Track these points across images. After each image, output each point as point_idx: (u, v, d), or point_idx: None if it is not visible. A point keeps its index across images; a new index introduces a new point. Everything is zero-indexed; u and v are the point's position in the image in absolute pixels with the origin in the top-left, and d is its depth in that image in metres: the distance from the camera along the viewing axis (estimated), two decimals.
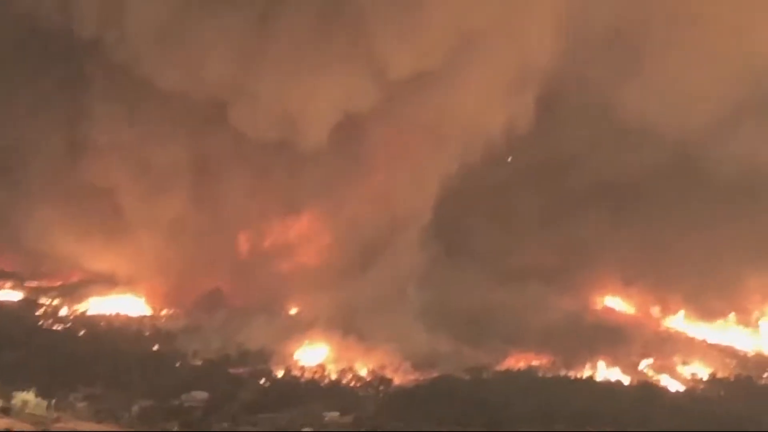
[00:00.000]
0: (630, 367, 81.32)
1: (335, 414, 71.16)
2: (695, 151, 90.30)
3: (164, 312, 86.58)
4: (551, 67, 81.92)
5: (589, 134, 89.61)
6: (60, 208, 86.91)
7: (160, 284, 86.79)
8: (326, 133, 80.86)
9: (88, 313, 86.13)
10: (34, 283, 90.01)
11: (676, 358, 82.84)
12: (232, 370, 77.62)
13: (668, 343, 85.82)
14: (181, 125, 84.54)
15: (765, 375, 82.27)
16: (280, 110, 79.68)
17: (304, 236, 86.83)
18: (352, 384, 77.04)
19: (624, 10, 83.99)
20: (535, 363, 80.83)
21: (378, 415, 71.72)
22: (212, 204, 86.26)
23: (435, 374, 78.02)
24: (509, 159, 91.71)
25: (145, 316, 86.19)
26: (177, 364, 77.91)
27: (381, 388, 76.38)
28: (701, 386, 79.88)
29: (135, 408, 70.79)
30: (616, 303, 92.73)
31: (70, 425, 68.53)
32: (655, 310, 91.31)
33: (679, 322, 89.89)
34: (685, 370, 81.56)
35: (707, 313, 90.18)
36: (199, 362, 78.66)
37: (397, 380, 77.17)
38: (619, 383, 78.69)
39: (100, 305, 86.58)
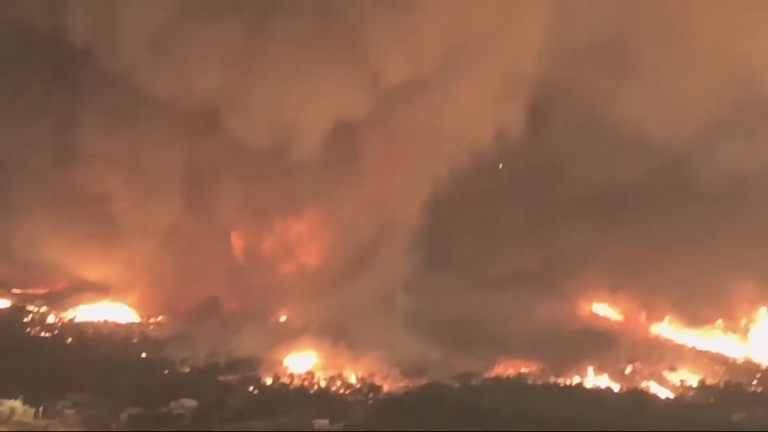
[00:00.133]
0: (619, 374, 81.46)
1: (324, 421, 70.98)
2: (683, 158, 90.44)
3: (152, 319, 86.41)
4: (541, 75, 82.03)
5: (577, 142, 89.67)
6: (50, 216, 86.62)
7: (150, 292, 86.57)
8: (319, 141, 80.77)
9: (76, 320, 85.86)
10: (21, 291, 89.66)
11: (666, 365, 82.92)
12: (221, 378, 77.37)
13: (657, 350, 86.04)
14: (174, 132, 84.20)
15: (754, 382, 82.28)
16: (274, 118, 79.46)
17: (296, 242, 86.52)
18: (341, 391, 76.88)
19: (614, 19, 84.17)
20: (524, 370, 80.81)
21: (367, 422, 71.50)
22: (204, 211, 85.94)
23: (424, 381, 77.81)
24: (500, 166, 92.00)
25: (133, 324, 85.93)
26: (165, 372, 77.69)
27: (370, 395, 76.29)
28: (691, 393, 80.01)
29: (123, 415, 70.47)
30: (605, 310, 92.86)
31: None
32: (644, 317, 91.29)
33: (668, 328, 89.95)
34: (675, 377, 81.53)
35: (695, 319, 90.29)
36: (187, 369, 78.42)
37: (387, 387, 77.09)
38: (609, 390, 78.79)
39: (87, 312, 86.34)
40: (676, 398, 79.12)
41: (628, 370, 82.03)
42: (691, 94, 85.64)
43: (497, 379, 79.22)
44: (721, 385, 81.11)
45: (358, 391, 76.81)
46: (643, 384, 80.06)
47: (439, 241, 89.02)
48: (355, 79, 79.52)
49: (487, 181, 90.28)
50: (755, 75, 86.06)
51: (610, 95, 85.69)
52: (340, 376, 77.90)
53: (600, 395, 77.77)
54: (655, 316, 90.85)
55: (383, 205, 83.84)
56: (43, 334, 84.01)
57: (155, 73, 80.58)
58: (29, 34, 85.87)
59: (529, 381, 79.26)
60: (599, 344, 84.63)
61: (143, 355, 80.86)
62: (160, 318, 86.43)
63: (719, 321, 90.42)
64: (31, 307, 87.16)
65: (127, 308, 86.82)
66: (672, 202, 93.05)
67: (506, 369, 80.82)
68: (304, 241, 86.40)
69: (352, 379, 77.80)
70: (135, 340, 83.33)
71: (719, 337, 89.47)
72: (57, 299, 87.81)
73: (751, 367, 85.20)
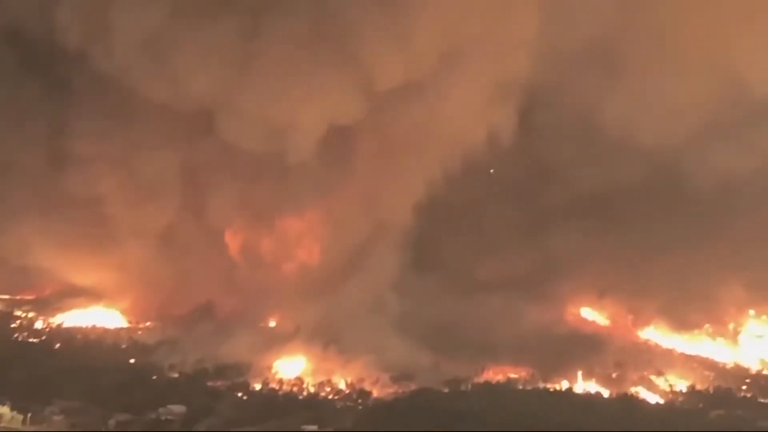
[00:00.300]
0: (608, 379, 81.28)
1: (313, 427, 70.78)
2: (672, 162, 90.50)
3: (141, 324, 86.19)
4: (532, 80, 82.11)
5: (566, 146, 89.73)
6: (41, 220, 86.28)
7: (143, 296, 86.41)
8: (313, 145, 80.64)
9: (65, 325, 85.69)
10: (9, 296, 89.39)
11: (655, 370, 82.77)
12: (209, 383, 77.11)
13: (646, 355, 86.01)
14: (167, 134, 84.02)
15: (744, 387, 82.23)
16: (268, 122, 79.29)
17: (289, 244, 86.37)
18: (330, 397, 76.71)
19: (605, 23, 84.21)
20: (513, 375, 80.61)
21: (356, 428, 71.49)
22: (197, 214, 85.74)
23: (413, 387, 77.55)
24: (491, 171, 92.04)
25: (121, 329, 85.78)
26: (154, 377, 77.50)
27: (359, 401, 76.07)
28: (680, 398, 79.86)
29: (111, 421, 70.40)
30: (593, 314, 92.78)
31: None
32: (632, 322, 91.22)
33: (657, 334, 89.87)
34: (664, 382, 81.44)
35: (684, 324, 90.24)
36: (176, 375, 78.19)
37: (376, 393, 76.88)
38: (598, 395, 78.74)
39: (76, 318, 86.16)
40: (665, 403, 78.94)
41: (617, 375, 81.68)
42: (679, 98, 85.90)
43: (487, 385, 78.92)
44: (711, 390, 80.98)
45: (347, 397, 76.52)
46: (633, 389, 79.86)
47: (428, 244, 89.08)
48: (349, 82, 79.46)
49: (476, 184, 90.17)
50: (744, 78, 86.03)
51: (599, 98, 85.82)
52: (329, 382, 77.67)
53: (590, 400, 77.67)
54: (643, 321, 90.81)
55: (375, 207, 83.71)
56: (31, 339, 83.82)
57: (149, 76, 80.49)
58: (21, 37, 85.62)
59: (519, 386, 79.12)
60: (588, 349, 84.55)
61: (132, 360, 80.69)
62: (148, 323, 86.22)
63: (708, 326, 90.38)
64: (18, 313, 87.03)
65: (116, 313, 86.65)
66: (661, 206, 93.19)
67: (496, 374, 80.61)
68: (297, 243, 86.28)
69: (342, 385, 77.55)
70: (123, 346, 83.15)
71: (708, 341, 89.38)
72: (45, 305, 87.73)
73: (740, 372, 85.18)
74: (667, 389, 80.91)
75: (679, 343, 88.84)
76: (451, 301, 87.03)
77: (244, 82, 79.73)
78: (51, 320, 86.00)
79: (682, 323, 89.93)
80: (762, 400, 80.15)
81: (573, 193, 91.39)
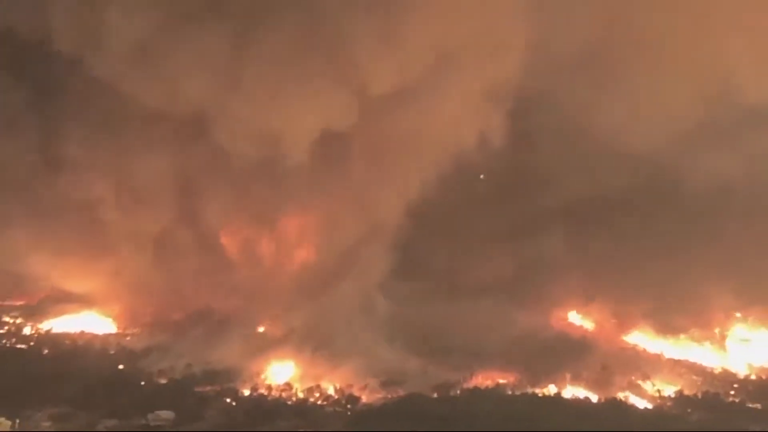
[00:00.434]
0: (597, 384, 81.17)
1: None
2: (660, 168, 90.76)
3: (129, 330, 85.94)
4: (522, 84, 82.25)
5: (554, 151, 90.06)
6: (31, 226, 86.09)
7: (131, 303, 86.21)
8: (307, 151, 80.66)
9: (53, 331, 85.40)
10: None
11: (643, 375, 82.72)
12: (197, 389, 76.92)
13: (634, 360, 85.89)
14: (161, 140, 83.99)
15: (732, 392, 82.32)
16: (261, 128, 79.26)
17: (281, 247, 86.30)
18: (319, 402, 76.53)
19: (595, 29, 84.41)
20: (502, 381, 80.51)
21: None
22: (191, 220, 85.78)
23: (402, 392, 77.63)
24: (482, 176, 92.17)
25: (110, 335, 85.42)
26: (142, 383, 77.31)
27: (348, 406, 76.00)
28: (669, 403, 79.86)
29: (100, 427, 70.40)
30: (580, 319, 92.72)
31: None
32: (620, 327, 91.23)
33: (644, 338, 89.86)
34: (653, 388, 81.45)
35: (672, 329, 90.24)
36: (164, 381, 78.01)
37: (365, 398, 76.83)
38: (587, 400, 78.67)
39: (64, 324, 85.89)
40: (654, 408, 78.94)
41: (605, 380, 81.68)
42: (668, 102, 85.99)
43: (476, 390, 78.85)
44: (699, 395, 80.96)
45: (336, 402, 76.40)
46: (622, 394, 79.85)
47: (416, 248, 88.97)
48: (342, 87, 79.49)
49: (465, 188, 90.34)
50: (734, 83, 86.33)
51: (589, 103, 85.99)
52: (318, 387, 77.51)
53: (579, 405, 77.71)
54: (631, 326, 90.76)
55: (367, 210, 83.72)
56: (19, 345, 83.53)
57: (142, 82, 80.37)
58: (13, 40, 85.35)
59: (508, 391, 79.00)
60: (576, 354, 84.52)
61: (120, 366, 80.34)
62: (137, 329, 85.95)
63: (694, 330, 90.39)
64: (7, 319, 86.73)
65: (104, 319, 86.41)
66: (649, 210, 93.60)
67: (484, 379, 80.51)
68: (290, 246, 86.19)
69: (331, 390, 77.39)
70: (112, 352, 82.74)
71: (695, 346, 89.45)
72: (34, 311, 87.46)
73: (728, 377, 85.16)
74: (656, 394, 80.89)
75: (666, 348, 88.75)
76: (438, 306, 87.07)
77: (238, 88, 79.68)
78: (39, 326, 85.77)
79: (668, 327, 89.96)
80: (750, 405, 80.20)
81: (561, 198, 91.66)
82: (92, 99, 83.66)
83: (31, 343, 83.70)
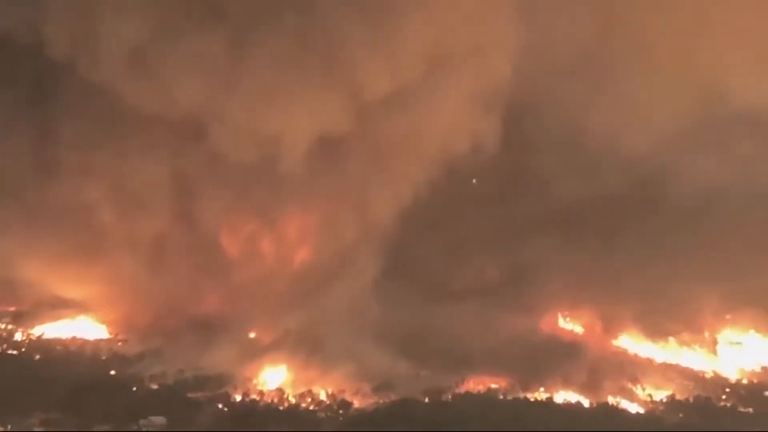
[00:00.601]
0: (588, 389, 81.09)
1: None
2: (650, 173, 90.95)
3: (121, 336, 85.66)
4: (514, 89, 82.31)
5: (547, 156, 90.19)
6: (24, 232, 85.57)
7: (126, 309, 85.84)
8: (303, 154, 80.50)
9: (44, 337, 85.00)
10: None
11: (635, 380, 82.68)
12: (189, 395, 76.76)
13: (626, 365, 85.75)
14: (157, 143, 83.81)
15: (723, 396, 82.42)
16: (256, 133, 79.15)
17: (277, 249, 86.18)
18: (311, 408, 76.44)
19: (588, 36, 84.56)
20: (494, 386, 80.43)
21: None
22: (187, 224, 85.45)
23: (394, 397, 77.50)
24: (474, 181, 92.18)
25: (101, 340, 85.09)
26: (134, 389, 77.11)
27: (340, 411, 75.92)
28: (661, 408, 79.87)
29: None
30: (571, 324, 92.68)
31: None
32: (610, 331, 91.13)
33: (635, 342, 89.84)
34: (644, 392, 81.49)
35: (663, 334, 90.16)
36: (156, 386, 77.84)
37: (357, 403, 76.72)
38: (579, 405, 78.61)
39: (56, 329, 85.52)
40: (646, 413, 78.96)
41: (596, 384, 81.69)
42: (659, 108, 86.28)
43: (468, 395, 78.84)
44: (691, 399, 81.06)
45: (328, 408, 76.32)
46: (614, 399, 79.87)
47: (405, 252, 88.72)
48: (337, 92, 79.43)
49: (455, 192, 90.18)
50: (725, 89, 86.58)
51: (581, 109, 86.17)
52: (310, 393, 77.34)
53: (571, 410, 77.67)
54: (621, 330, 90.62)
55: (361, 214, 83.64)
56: (10, 351, 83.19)
57: (136, 86, 79.98)
58: (5, 43, 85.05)
59: (500, 396, 78.95)
60: (566, 358, 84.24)
61: (112, 372, 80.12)
62: (129, 335, 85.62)
63: (685, 334, 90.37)
64: None
65: (97, 325, 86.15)
66: (640, 215, 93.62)
67: (476, 384, 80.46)
68: (284, 249, 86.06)
69: (323, 396, 77.27)
70: (104, 357, 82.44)
71: (686, 351, 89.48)
72: (25, 316, 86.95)
73: (719, 381, 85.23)
74: (647, 399, 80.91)
75: (657, 352, 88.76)
76: (429, 309, 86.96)
77: (232, 93, 79.51)
78: (31, 332, 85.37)
79: (658, 331, 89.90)
80: (742, 409, 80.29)
81: (552, 201, 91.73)
82: (87, 102, 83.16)
83: (23, 349, 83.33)
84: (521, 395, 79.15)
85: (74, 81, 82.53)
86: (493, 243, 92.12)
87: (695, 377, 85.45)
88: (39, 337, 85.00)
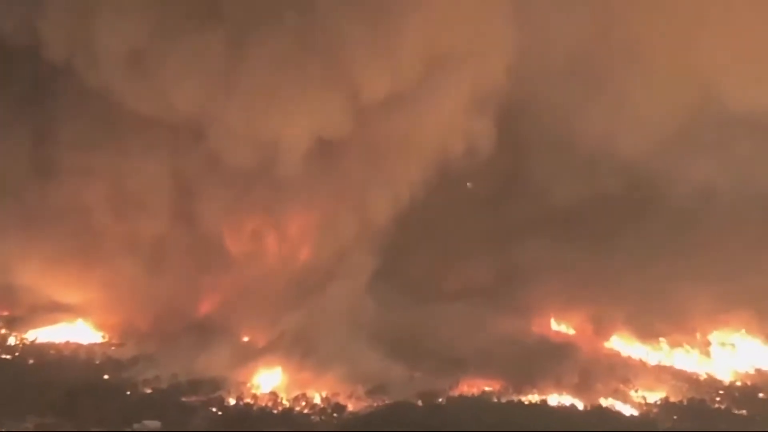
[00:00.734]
0: (581, 391, 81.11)
1: None
2: (644, 175, 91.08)
3: (115, 340, 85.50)
4: (510, 91, 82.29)
5: (540, 158, 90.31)
6: (21, 235, 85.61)
7: (122, 313, 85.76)
8: (302, 157, 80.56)
9: (38, 341, 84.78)
10: None
11: (628, 382, 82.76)
12: (184, 399, 76.61)
13: (619, 367, 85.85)
14: (155, 145, 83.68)
15: (717, 398, 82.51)
16: (255, 137, 79.08)
17: (274, 251, 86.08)
18: (305, 411, 76.30)
19: (582, 38, 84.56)
20: (488, 388, 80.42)
21: None
22: (186, 227, 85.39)
23: (388, 400, 77.43)
24: (468, 185, 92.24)
25: (95, 344, 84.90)
26: (128, 393, 76.87)
27: (335, 414, 75.83)
28: (655, 410, 79.91)
29: None
30: (563, 326, 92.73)
31: None
32: (603, 333, 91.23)
33: (628, 344, 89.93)
34: (638, 394, 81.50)
35: (655, 335, 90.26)
36: (150, 391, 77.63)
37: (351, 407, 76.67)
38: (573, 407, 78.63)
39: (49, 333, 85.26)
40: (640, 416, 78.99)
41: (590, 386, 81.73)
42: (654, 110, 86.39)
43: (462, 398, 78.81)
44: (685, 402, 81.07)
45: (322, 411, 76.22)
46: (608, 401, 79.90)
47: (398, 254, 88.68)
48: (336, 95, 79.47)
49: (448, 194, 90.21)
50: (720, 91, 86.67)
51: (575, 111, 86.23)
52: (304, 396, 77.25)
53: (565, 412, 77.72)
54: (613, 332, 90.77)
55: (357, 215, 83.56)
56: (3, 356, 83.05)
57: (134, 89, 79.96)
58: (5, 46, 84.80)
59: (494, 399, 78.93)
60: (559, 360, 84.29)
61: (106, 376, 79.99)
62: (123, 339, 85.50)
63: (677, 336, 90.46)
64: None
65: (91, 329, 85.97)
66: (633, 217, 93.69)
67: (470, 387, 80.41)
68: (281, 251, 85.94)
69: (317, 399, 77.15)
70: (97, 362, 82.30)
71: (679, 352, 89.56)
72: (19, 321, 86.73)
73: (713, 384, 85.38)
74: (641, 401, 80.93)
75: (650, 354, 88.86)
76: (422, 311, 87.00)
77: (231, 94, 79.46)
78: (24, 336, 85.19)
79: (650, 333, 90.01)
80: (736, 412, 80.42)
81: (546, 204, 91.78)
82: (84, 103, 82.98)
83: (16, 354, 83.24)
84: (515, 398, 79.10)
85: (73, 81, 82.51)
86: (487, 245, 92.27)
87: (689, 379, 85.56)
88: (33, 342, 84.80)
